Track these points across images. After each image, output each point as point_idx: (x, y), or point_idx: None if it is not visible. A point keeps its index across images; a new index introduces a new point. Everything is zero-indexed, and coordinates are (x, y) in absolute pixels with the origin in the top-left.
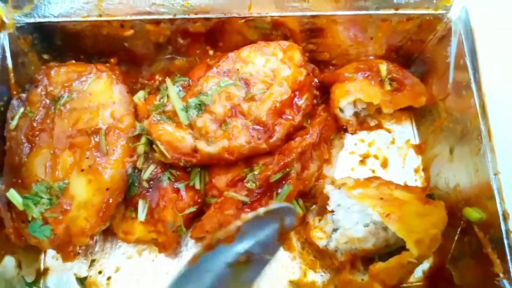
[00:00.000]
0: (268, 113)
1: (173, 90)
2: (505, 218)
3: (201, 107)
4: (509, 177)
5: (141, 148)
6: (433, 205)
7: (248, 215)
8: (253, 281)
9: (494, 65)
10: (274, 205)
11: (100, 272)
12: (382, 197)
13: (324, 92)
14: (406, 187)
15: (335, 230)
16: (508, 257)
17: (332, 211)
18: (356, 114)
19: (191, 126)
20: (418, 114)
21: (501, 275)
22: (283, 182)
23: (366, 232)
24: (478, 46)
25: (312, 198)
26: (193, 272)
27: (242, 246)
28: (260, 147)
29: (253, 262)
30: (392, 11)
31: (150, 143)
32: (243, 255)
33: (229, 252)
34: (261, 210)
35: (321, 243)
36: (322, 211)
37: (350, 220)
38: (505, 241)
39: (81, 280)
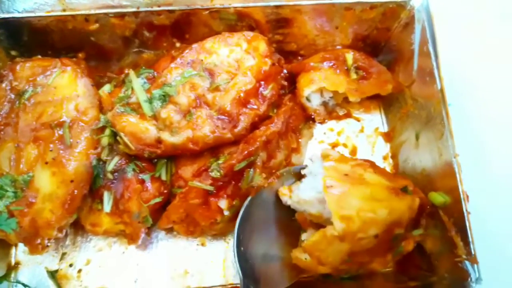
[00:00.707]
0: (233, 102)
1: (136, 82)
2: (464, 200)
3: (165, 98)
4: (470, 159)
5: (105, 140)
6: (399, 198)
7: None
8: None
9: (456, 51)
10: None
11: (71, 265)
12: (348, 174)
13: (292, 82)
14: (387, 175)
15: None
16: (470, 239)
17: (305, 176)
18: (324, 104)
19: (155, 117)
20: (386, 103)
21: (464, 256)
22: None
23: (314, 197)
24: (437, 32)
25: None
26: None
27: None
28: (225, 136)
29: None
30: (354, 0)
31: (114, 134)
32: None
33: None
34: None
35: (284, 199)
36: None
37: (308, 184)
38: (466, 223)
39: (52, 273)
